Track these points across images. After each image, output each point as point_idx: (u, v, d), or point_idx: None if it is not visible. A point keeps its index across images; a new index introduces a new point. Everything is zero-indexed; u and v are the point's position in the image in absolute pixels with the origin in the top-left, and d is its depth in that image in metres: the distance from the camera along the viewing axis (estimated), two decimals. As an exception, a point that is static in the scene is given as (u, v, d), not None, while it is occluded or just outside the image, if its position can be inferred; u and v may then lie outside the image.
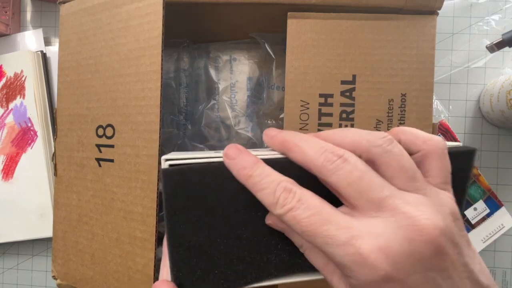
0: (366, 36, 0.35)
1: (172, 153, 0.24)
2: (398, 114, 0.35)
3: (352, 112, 0.35)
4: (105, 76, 0.34)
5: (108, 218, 0.34)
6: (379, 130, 0.35)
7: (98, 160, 0.35)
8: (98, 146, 0.34)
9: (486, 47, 0.43)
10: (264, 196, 0.20)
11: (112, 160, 0.34)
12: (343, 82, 0.35)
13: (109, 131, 0.34)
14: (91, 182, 0.35)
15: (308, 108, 0.36)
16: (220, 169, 0.21)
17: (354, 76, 0.35)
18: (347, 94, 0.35)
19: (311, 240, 0.18)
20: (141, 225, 0.31)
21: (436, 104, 0.48)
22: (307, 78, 0.36)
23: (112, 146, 0.34)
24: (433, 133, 0.35)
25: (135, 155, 0.32)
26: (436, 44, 0.34)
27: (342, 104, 0.35)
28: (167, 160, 0.21)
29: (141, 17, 0.32)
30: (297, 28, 0.35)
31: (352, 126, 0.35)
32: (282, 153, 0.22)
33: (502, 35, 0.41)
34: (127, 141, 0.33)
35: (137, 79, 0.32)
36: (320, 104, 0.35)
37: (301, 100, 0.36)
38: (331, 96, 0.35)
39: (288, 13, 0.35)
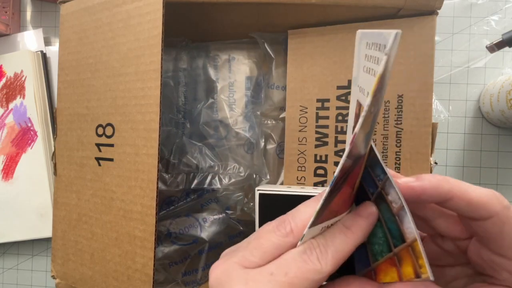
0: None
1: (265, 185, 0.35)
2: (395, 115, 0.36)
3: (348, 114, 0.36)
4: (105, 75, 0.34)
5: (108, 218, 0.34)
6: (375, 130, 0.36)
7: (97, 159, 0.35)
8: (98, 145, 0.34)
9: (486, 47, 0.43)
10: None
11: (111, 159, 0.34)
12: (339, 87, 0.37)
13: (108, 130, 0.34)
14: (90, 182, 0.35)
15: (306, 112, 0.38)
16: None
17: (349, 81, 0.37)
18: (343, 98, 0.37)
19: None
20: (141, 224, 0.31)
21: (436, 104, 0.48)
22: (306, 85, 0.38)
23: (111, 145, 0.34)
24: (432, 133, 0.35)
25: (135, 154, 0.32)
26: (436, 44, 0.35)
27: (338, 108, 0.37)
28: (259, 190, 0.33)
29: (141, 16, 0.32)
30: (297, 44, 0.39)
31: (348, 127, 0.36)
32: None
33: (502, 35, 0.41)
34: (126, 140, 0.33)
35: (137, 78, 0.32)
36: (318, 108, 0.38)
37: (300, 106, 0.38)
38: (328, 100, 0.37)
39: (288, 31, 0.39)
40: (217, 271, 0.20)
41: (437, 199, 0.18)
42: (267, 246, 0.19)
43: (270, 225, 0.20)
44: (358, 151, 0.17)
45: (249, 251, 0.20)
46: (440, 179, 0.18)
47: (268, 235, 0.20)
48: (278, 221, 0.20)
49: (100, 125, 0.35)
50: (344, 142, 0.37)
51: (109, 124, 0.34)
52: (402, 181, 0.18)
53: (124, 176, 0.33)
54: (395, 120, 0.36)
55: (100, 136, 0.34)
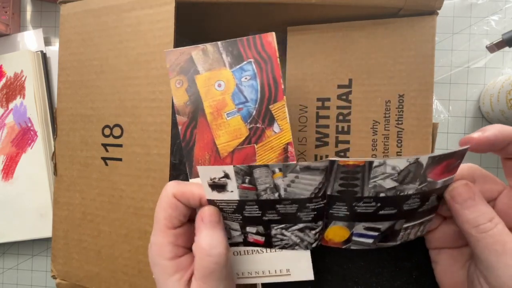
0: (362, 41, 0.35)
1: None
2: (396, 114, 0.36)
3: (349, 114, 0.36)
4: (112, 77, 0.34)
5: (116, 215, 0.34)
6: (376, 130, 0.36)
7: (104, 159, 0.35)
8: (105, 145, 0.35)
9: (486, 47, 0.43)
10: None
11: (120, 159, 0.34)
12: (339, 86, 0.36)
13: (116, 131, 0.34)
14: (96, 181, 0.35)
15: (306, 112, 0.37)
16: None
17: (350, 80, 0.36)
18: (344, 97, 0.36)
19: None
20: (152, 220, 0.32)
21: (436, 104, 0.48)
22: (305, 84, 0.37)
23: (120, 146, 0.34)
24: (433, 133, 0.35)
25: (146, 154, 0.33)
26: (436, 44, 0.35)
27: (338, 107, 0.37)
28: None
29: (152, 23, 0.33)
30: (296, 41, 0.38)
31: (348, 127, 0.36)
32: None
33: (502, 35, 0.41)
34: (136, 141, 0.33)
35: (147, 82, 0.33)
36: (318, 108, 0.37)
37: (299, 105, 0.37)
38: (328, 99, 0.37)
39: (288, 27, 0.38)
40: None
41: (504, 143, 0.22)
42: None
43: None
44: (182, 109, 0.25)
45: None
46: (500, 126, 0.22)
47: None
48: None
49: (107, 126, 0.35)
50: (345, 142, 0.37)
51: (117, 125, 0.34)
52: (475, 136, 0.22)
53: (134, 175, 0.33)
54: (396, 120, 0.36)
55: (107, 136, 0.35)
